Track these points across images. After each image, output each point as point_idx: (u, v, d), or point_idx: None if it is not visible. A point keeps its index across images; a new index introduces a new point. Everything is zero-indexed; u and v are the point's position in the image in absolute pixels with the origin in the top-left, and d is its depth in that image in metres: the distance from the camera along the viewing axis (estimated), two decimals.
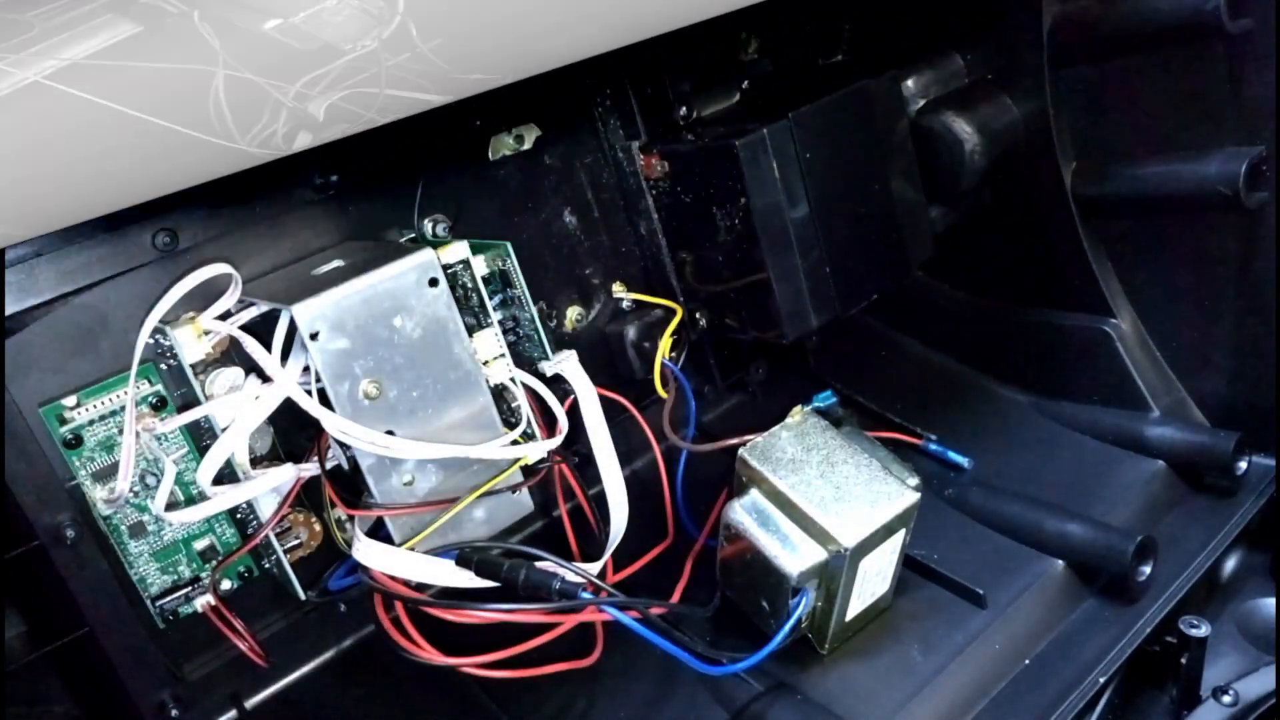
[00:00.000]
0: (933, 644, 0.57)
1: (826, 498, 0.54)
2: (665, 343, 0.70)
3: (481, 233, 0.63)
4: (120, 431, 0.56)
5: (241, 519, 0.60)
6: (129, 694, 0.58)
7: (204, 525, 0.60)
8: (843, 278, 0.67)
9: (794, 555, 0.53)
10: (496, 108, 0.66)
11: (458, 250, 0.58)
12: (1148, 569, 0.58)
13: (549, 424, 0.63)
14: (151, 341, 0.55)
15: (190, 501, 0.58)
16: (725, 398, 0.83)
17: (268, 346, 0.53)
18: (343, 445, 0.55)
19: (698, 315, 0.73)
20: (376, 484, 0.55)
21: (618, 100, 0.71)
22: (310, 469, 0.57)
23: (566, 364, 0.64)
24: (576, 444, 0.65)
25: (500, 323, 0.61)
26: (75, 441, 0.55)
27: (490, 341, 0.59)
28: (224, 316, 0.55)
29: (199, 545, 0.60)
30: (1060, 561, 0.61)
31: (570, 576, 0.53)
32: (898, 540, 0.56)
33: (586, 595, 0.52)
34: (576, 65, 0.45)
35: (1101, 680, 0.53)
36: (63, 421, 0.55)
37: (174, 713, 0.59)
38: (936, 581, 0.62)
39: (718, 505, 0.65)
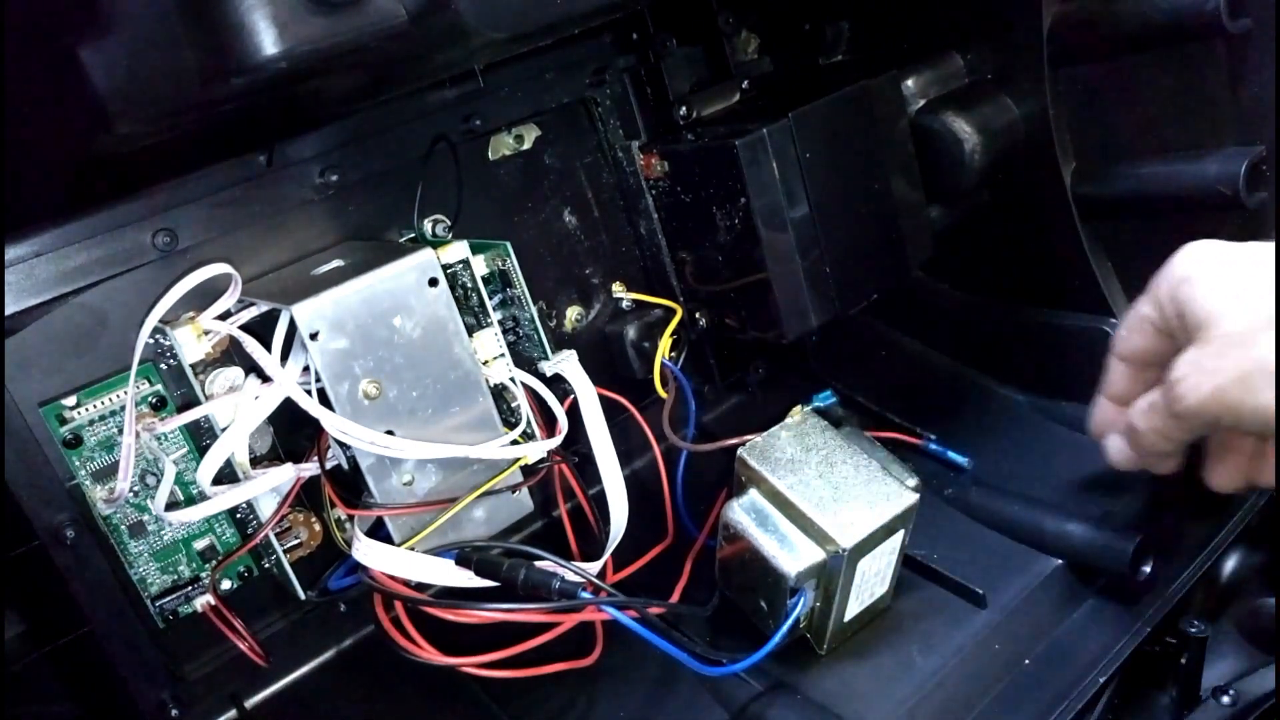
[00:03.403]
0: (933, 644, 0.57)
1: (825, 498, 0.54)
2: (665, 342, 0.70)
3: (481, 233, 0.63)
4: (120, 431, 0.56)
5: (241, 519, 0.61)
6: (129, 694, 0.58)
7: (204, 525, 0.60)
8: (843, 277, 0.67)
9: (792, 555, 0.53)
10: (496, 107, 0.66)
11: (458, 250, 0.58)
12: (1148, 569, 0.58)
13: (549, 424, 0.63)
14: (151, 341, 0.55)
15: (190, 501, 0.58)
16: (725, 398, 0.83)
17: (268, 346, 0.53)
18: (342, 445, 0.55)
19: (698, 315, 0.73)
20: (376, 484, 0.55)
21: (618, 100, 0.71)
22: (310, 469, 0.57)
23: (566, 364, 0.64)
24: (576, 444, 0.65)
25: (500, 323, 0.61)
26: (75, 441, 0.55)
27: (490, 341, 0.59)
28: (224, 316, 0.55)
29: (199, 545, 0.60)
30: (1060, 561, 0.61)
31: (570, 576, 0.53)
32: (897, 541, 0.56)
33: (586, 595, 0.52)
34: None
35: (1101, 680, 0.53)
36: (63, 421, 0.55)
37: (174, 712, 0.59)
38: (936, 581, 0.62)
39: (717, 505, 0.65)
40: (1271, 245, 0.48)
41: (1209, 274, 0.48)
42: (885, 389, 0.79)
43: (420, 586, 0.58)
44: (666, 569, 0.66)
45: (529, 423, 0.61)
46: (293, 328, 0.52)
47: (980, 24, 0.70)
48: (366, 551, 0.55)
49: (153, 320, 0.54)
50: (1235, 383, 0.44)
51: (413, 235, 0.65)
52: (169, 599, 0.59)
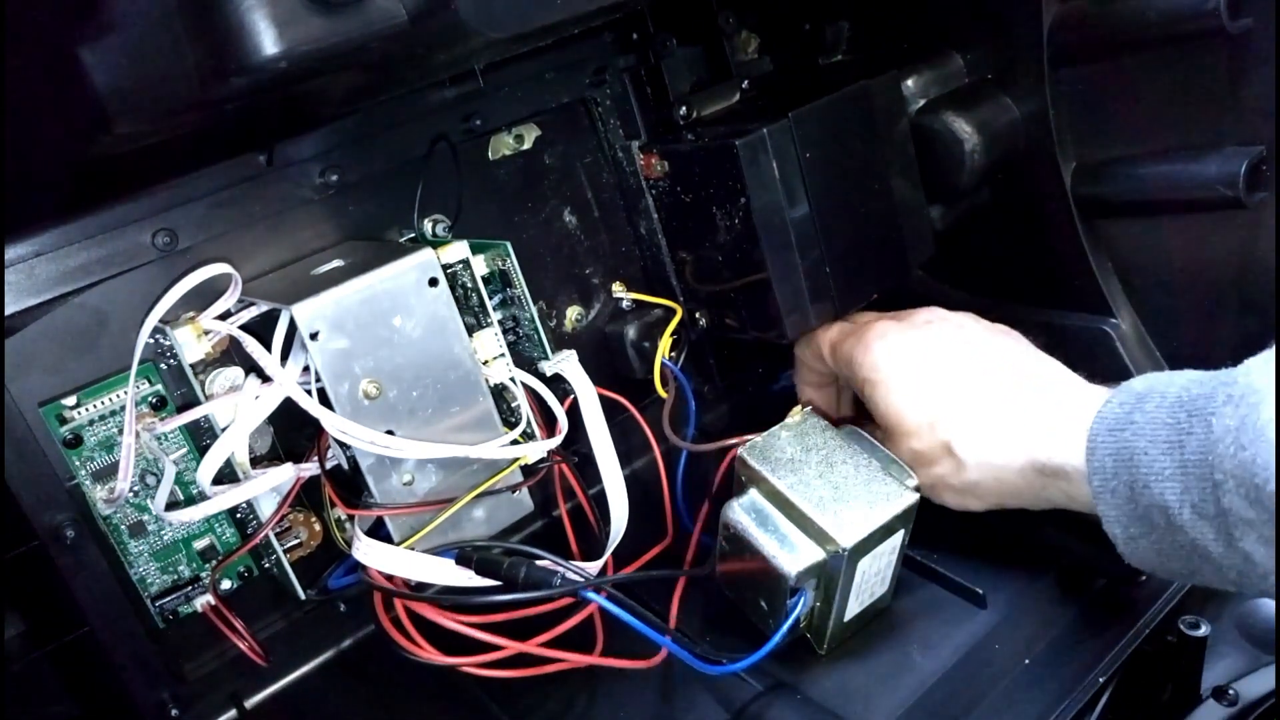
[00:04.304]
0: (933, 644, 0.57)
1: (825, 498, 0.54)
2: (665, 342, 0.70)
3: (481, 233, 0.63)
4: (120, 431, 0.56)
5: (241, 519, 0.61)
6: (129, 694, 0.58)
7: (204, 525, 0.60)
8: (843, 277, 0.67)
9: (792, 555, 0.53)
10: (496, 107, 0.66)
11: (458, 250, 0.58)
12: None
13: (549, 424, 0.63)
14: (151, 341, 0.55)
15: (190, 501, 0.58)
16: (725, 398, 0.83)
17: (268, 346, 0.53)
18: (342, 445, 0.55)
19: (698, 315, 0.73)
20: (376, 484, 0.55)
21: (618, 100, 0.71)
22: (310, 469, 0.57)
23: (566, 364, 0.64)
24: (576, 444, 0.65)
25: (500, 322, 0.61)
26: (75, 441, 0.55)
27: (490, 341, 0.59)
28: (224, 316, 0.55)
29: (199, 545, 0.60)
30: (1060, 561, 0.61)
31: (570, 575, 0.53)
32: (897, 540, 0.56)
33: (588, 593, 0.52)
34: None
35: (1101, 680, 0.53)
36: (63, 421, 0.55)
37: (174, 712, 0.59)
38: (936, 581, 0.62)
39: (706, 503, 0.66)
40: (939, 333, 0.60)
41: (897, 388, 0.58)
42: None
43: (420, 586, 0.58)
44: (666, 568, 0.66)
45: (529, 423, 0.61)
46: (293, 327, 0.52)
47: (980, 24, 0.70)
48: (367, 551, 0.55)
49: (153, 320, 0.54)
50: (928, 488, 0.57)
51: (413, 235, 0.65)
52: (169, 599, 0.59)
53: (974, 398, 0.56)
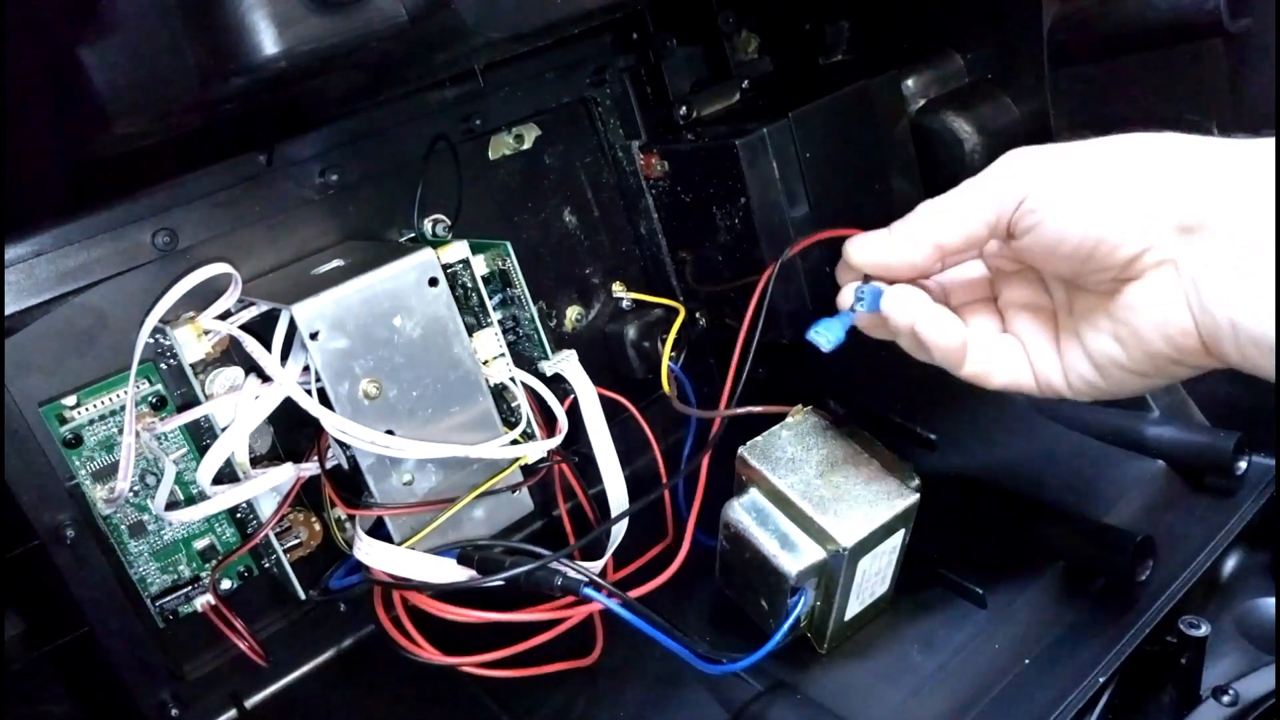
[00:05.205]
0: (933, 644, 0.57)
1: (825, 497, 0.54)
2: (669, 345, 0.70)
3: (481, 232, 0.63)
4: (120, 431, 0.56)
5: (241, 518, 0.61)
6: (129, 694, 0.58)
7: (204, 525, 0.60)
8: None
9: (793, 555, 0.53)
10: (496, 107, 0.66)
11: (458, 250, 0.58)
12: (1147, 569, 0.58)
13: (549, 423, 0.63)
14: (151, 341, 0.55)
15: (190, 501, 0.58)
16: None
17: (268, 346, 0.53)
18: (343, 445, 0.55)
19: (698, 315, 0.73)
20: (376, 483, 0.55)
21: (618, 100, 0.71)
22: (310, 468, 0.57)
23: (566, 364, 0.64)
24: (576, 444, 0.65)
25: (500, 322, 0.61)
26: (75, 441, 0.55)
27: (490, 341, 0.59)
28: (224, 316, 0.55)
29: (199, 545, 0.60)
30: (1060, 561, 0.61)
31: (571, 574, 0.53)
32: (897, 540, 0.56)
33: (589, 592, 0.52)
34: None
35: (1101, 680, 0.53)
36: (63, 421, 0.55)
37: (174, 712, 0.59)
38: (936, 581, 0.62)
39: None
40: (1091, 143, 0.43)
41: (1077, 193, 0.42)
42: (885, 390, 0.78)
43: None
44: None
45: (529, 422, 0.61)
46: (293, 327, 0.52)
47: (980, 24, 0.70)
48: (369, 551, 0.55)
49: (153, 320, 0.54)
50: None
51: (413, 235, 0.65)
52: (169, 599, 0.59)
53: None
